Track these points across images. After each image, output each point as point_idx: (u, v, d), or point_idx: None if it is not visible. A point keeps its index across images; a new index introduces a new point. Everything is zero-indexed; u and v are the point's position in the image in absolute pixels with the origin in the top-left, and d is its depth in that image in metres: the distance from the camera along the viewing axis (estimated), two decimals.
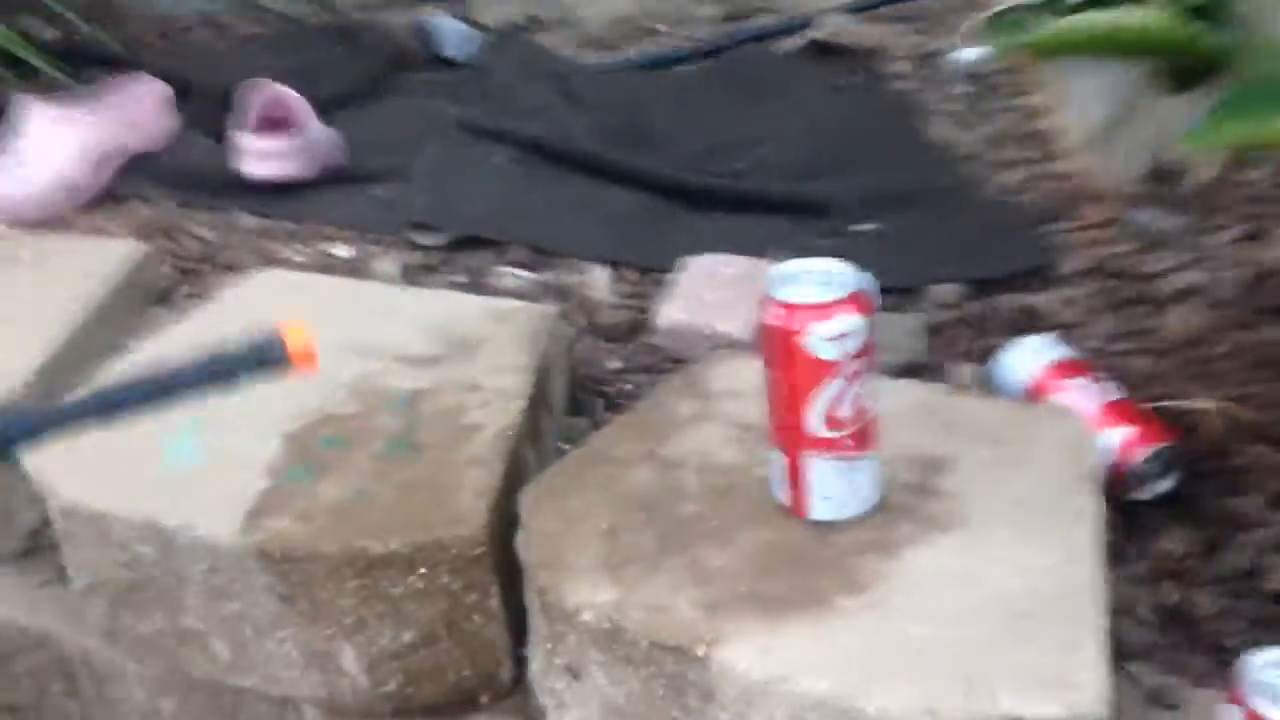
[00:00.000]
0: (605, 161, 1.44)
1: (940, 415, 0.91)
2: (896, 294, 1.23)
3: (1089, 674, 0.69)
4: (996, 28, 0.83)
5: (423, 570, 0.86)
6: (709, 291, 1.11)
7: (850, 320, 0.75)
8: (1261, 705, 0.64)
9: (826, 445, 0.78)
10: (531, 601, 0.83)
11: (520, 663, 0.90)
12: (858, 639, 0.73)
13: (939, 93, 1.71)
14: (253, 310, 1.12)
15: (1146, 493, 0.99)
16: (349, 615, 0.87)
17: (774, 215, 1.39)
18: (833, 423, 0.77)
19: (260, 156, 1.38)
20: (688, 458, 0.89)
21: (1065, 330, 1.18)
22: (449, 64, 1.89)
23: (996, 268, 1.26)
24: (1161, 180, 1.39)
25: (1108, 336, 1.17)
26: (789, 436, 0.79)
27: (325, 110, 1.56)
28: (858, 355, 0.76)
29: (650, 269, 1.26)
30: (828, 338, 0.75)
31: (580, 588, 0.79)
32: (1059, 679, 0.69)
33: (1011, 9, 0.85)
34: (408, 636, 0.88)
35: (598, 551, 0.81)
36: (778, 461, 0.81)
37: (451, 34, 1.92)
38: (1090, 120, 0.88)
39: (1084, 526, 0.79)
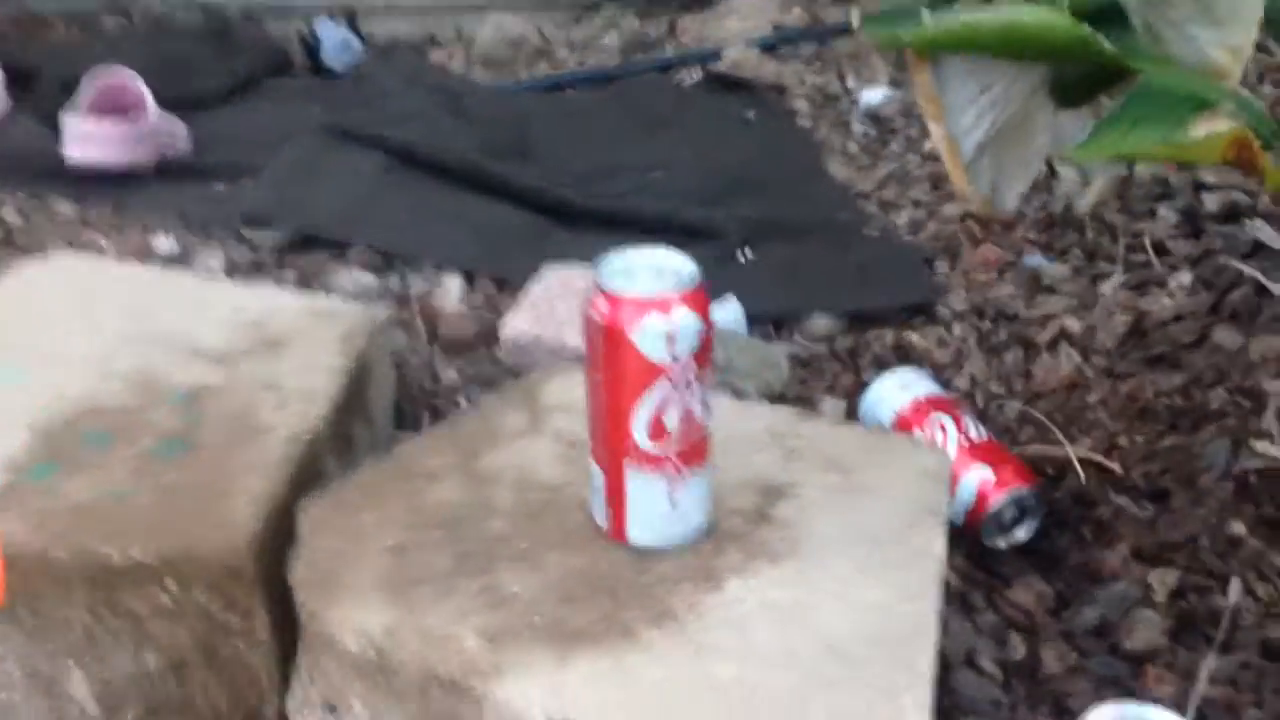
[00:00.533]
0: (480, 172, 1.34)
1: (788, 441, 0.80)
2: (769, 324, 1.15)
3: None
4: (878, 20, 0.74)
5: (171, 586, 0.72)
6: (562, 303, 1.00)
7: (684, 318, 0.64)
8: None
9: (650, 460, 0.66)
10: (301, 631, 0.69)
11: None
12: (657, 678, 0.61)
13: (838, 132, 1.65)
14: (30, 296, 0.99)
15: (1003, 540, 0.91)
16: (76, 632, 0.73)
17: (652, 237, 1.29)
18: (658, 434, 0.66)
19: (86, 140, 1.25)
20: (504, 473, 0.77)
21: (938, 369, 1.10)
22: (330, 74, 1.79)
23: (874, 302, 1.18)
24: (1043, 206, 1.35)
25: (981, 378, 1.10)
26: (610, 448, 0.67)
27: (185, 107, 1.44)
28: (690, 359, 0.65)
29: (508, 282, 1.16)
30: (658, 335, 0.64)
31: (348, 609, 0.66)
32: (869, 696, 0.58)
33: (898, 5, 0.76)
34: (151, 661, 0.74)
35: (379, 571, 0.69)
36: (598, 478, 0.69)
37: (334, 44, 1.82)
38: (973, 134, 0.80)
39: (924, 565, 0.69)
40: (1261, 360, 1.08)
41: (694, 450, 0.68)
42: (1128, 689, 0.80)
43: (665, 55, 1.80)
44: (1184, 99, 0.72)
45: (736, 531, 0.71)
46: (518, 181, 1.33)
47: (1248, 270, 1.22)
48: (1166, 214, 1.36)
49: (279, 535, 0.74)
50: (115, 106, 1.29)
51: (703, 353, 0.65)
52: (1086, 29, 0.70)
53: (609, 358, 0.65)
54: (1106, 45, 0.70)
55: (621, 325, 0.63)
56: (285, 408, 0.84)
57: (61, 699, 0.75)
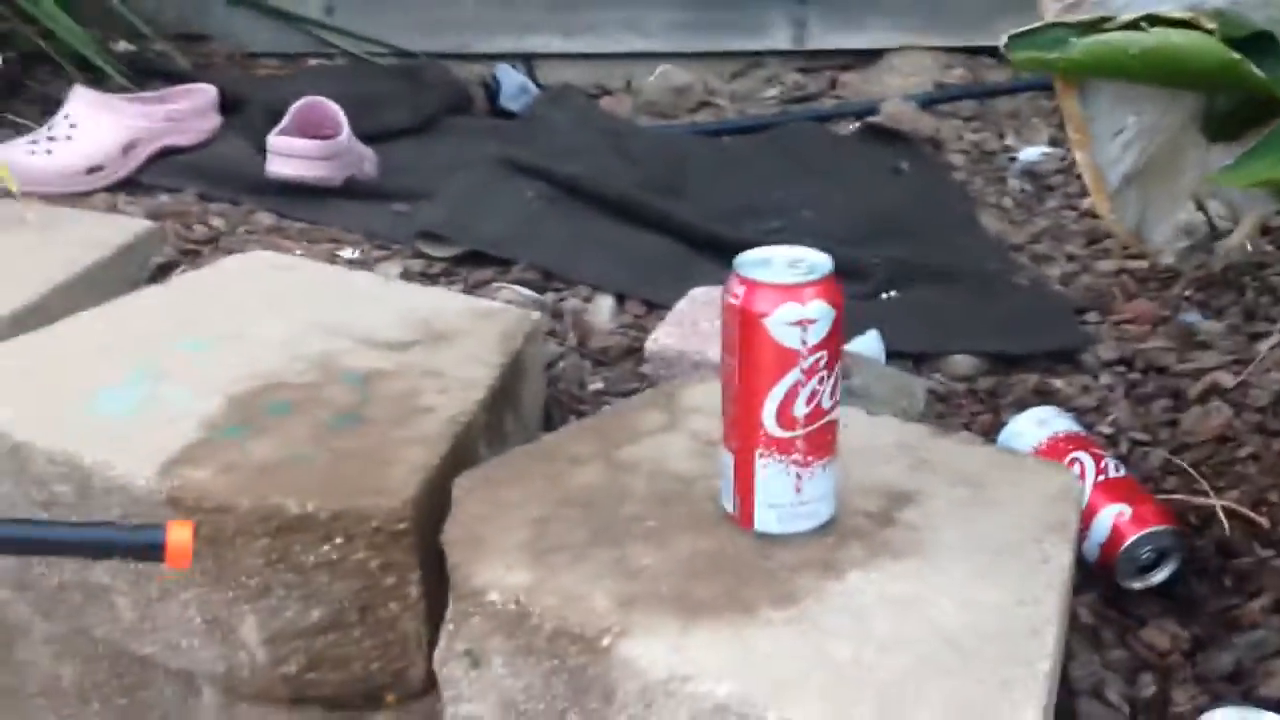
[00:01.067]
0: (638, 204, 1.41)
1: (917, 453, 0.83)
2: (909, 360, 1.18)
3: (1018, 711, 0.60)
4: (1024, 40, 0.78)
5: (339, 540, 0.79)
6: (705, 320, 1.05)
7: (817, 306, 0.69)
8: None
9: (778, 446, 0.71)
10: (450, 586, 0.75)
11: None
12: (774, 649, 0.64)
13: (993, 187, 1.66)
14: (231, 285, 1.10)
15: (1139, 580, 0.90)
16: (254, 579, 0.80)
17: None
18: (787, 420, 0.70)
19: (287, 156, 1.37)
20: (641, 463, 0.82)
21: (1081, 414, 1.10)
22: (507, 115, 1.90)
23: (1018, 346, 1.19)
24: (1201, 265, 1.33)
25: (1125, 425, 1.10)
26: (739, 433, 0.72)
27: (375, 138, 1.57)
28: (821, 347, 0.69)
29: (656, 306, 1.22)
30: (791, 322, 0.68)
31: (493, 567, 0.72)
32: (985, 713, 0.60)
33: (1051, 25, 0.79)
34: (316, 614, 0.81)
35: (522, 537, 0.75)
36: (727, 464, 0.74)
37: (513, 88, 1.93)
38: (1120, 165, 0.82)
39: (1046, 573, 0.70)
40: None
41: (821, 441, 0.71)
42: None
43: (822, 107, 1.85)
44: None
45: (860, 529, 0.74)
46: (672, 215, 1.40)
47: None
48: None
49: (435, 504, 0.81)
50: (314, 130, 1.42)
51: (833, 344, 0.69)
52: (1237, 55, 0.72)
53: (743, 343, 0.70)
54: (1257, 72, 0.72)
55: (757, 311, 0.68)
56: (446, 393, 0.92)
57: (234, 646, 0.83)
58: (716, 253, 1.36)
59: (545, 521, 0.76)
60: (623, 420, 0.89)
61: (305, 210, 1.39)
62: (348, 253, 1.29)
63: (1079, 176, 1.76)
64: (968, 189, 1.64)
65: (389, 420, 0.88)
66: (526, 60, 2.01)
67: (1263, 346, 1.20)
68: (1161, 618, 0.90)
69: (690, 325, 1.05)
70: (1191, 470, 1.03)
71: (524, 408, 1.01)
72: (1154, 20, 0.76)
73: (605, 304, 1.20)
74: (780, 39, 2.04)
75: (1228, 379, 1.15)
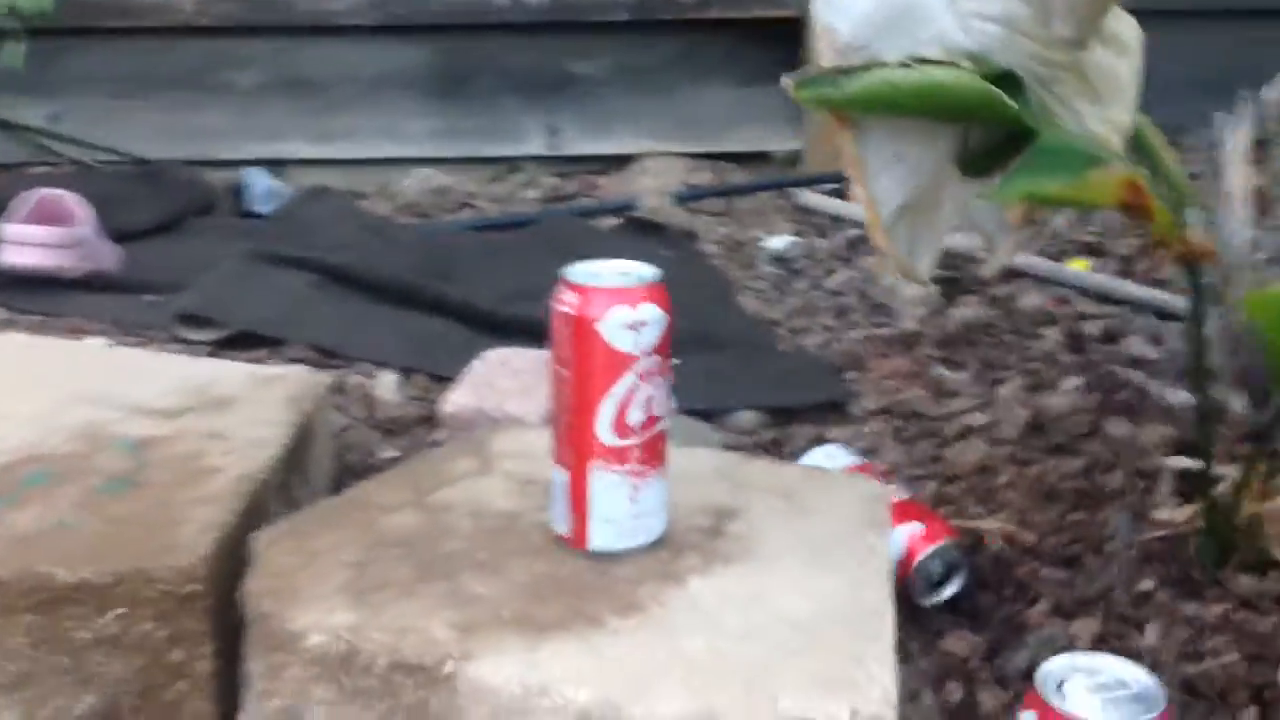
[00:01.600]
0: (412, 287, 1.39)
1: (734, 476, 0.83)
2: (698, 417, 1.20)
3: (875, 678, 0.60)
4: (807, 83, 0.83)
5: (119, 610, 0.70)
6: (502, 379, 1.03)
7: (649, 309, 0.69)
8: (1052, 698, 0.61)
9: (614, 455, 0.69)
10: (251, 640, 0.68)
11: None
12: (627, 652, 0.62)
13: (747, 273, 1.75)
14: None
15: (932, 596, 0.94)
16: (14, 665, 0.70)
17: None
18: (622, 428, 0.69)
19: (23, 244, 1.26)
20: (459, 505, 0.78)
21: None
22: (257, 217, 1.83)
23: (795, 399, 1.25)
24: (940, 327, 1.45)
25: (899, 464, 1.16)
26: (573, 446, 0.70)
27: (117, 239, 1.47)
28: (654, 351, 0.69)
29: (443, 377, 1.18)
30: (626, 325, 0.68)
31: (311, 611, 0.65)
32: (844, 682, 0.59)
33: (829, 71, 0.84)
34: (88, 702, 0.71)
35: (340, 581, 0.69)
36: (560, 481, 0.71)
37: (262, 191, 1.87)
38: (891, 201, 0.88)
39: (874, 561, 0.72)
40: (1152, 446, 1.16)
41: (655, 450, 0.70)
42: None
43: (584, 204, 1.90)
44: (1079, 154, 0.81)
45: (692, 542, 0.73)
46: (448, 296, 1.38)
47: (1132, 375, 1.33)
48: (1053, 334, 1.48)
49: (229, 566, 0.74)
50: (52, 221, 1.31)
51: (664, 350, 0.69)
52: (995, 90, 0.79)
53: (577, 351, 0.68)
54: (1010, 103, 0.79)
55: (589, 316, 0.67)
56: (233, 454, 0.84)
57: None
58: (495, 332, 1.35)
59: (363, 565, 0.70)
60: (432, 467, 0.84)
61: (43, 303, 1.27)
62: (94, 343, 1.18)
63: (822, 262, 1.90)
64: (726, 275, 1.71)
65: (170, 482, 0.80)
66: (276, 166, 1.96)
67: (1003, 390, 1.30)
68: (956, 629, 0.93)
69: (486, 384, 1.03)
70: (959, 498, 1.09)
71: (314, 474, 0.95)
72: (920, 61, 0.83)
73: (389, 379, 1.16)
74: (535, 145, 2.08)
75: (979, 418, 1.24)
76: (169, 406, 0.91)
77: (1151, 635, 0.92)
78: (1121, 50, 0.89)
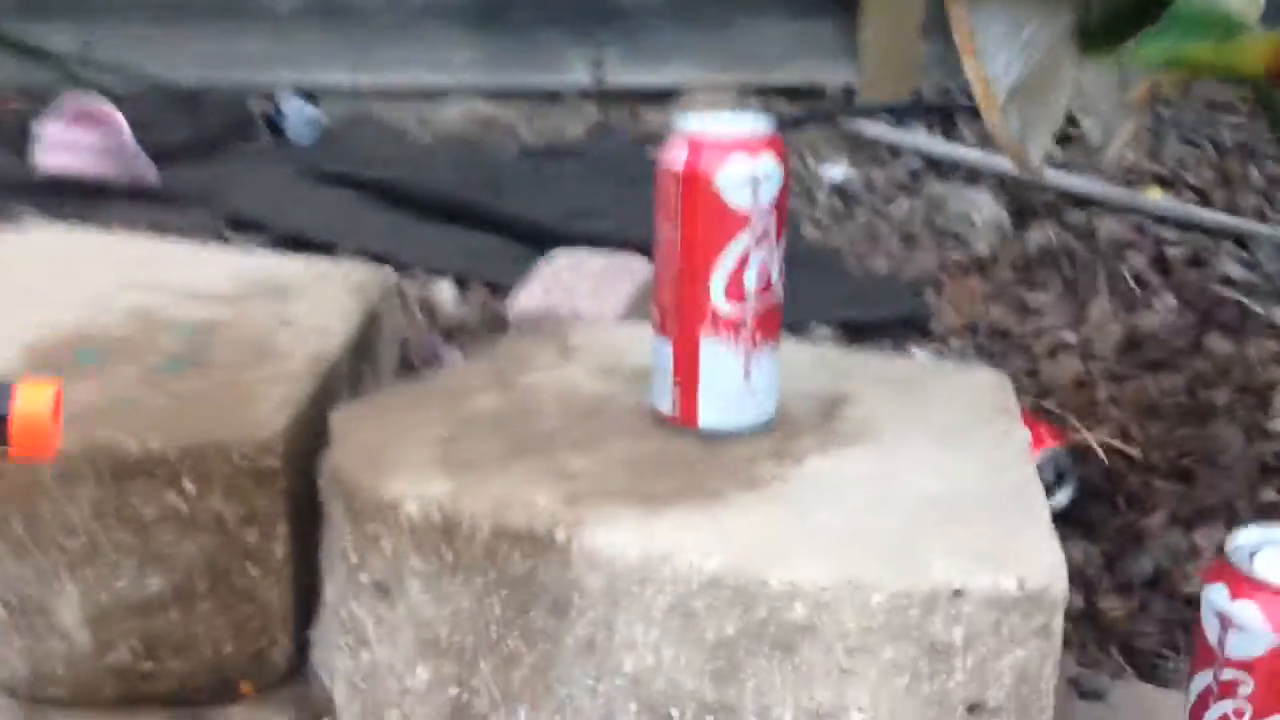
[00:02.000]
0: (462, 202, 1.33)
1: (837, 367, 0.77)
2: None
3: (1039, 549, 0.54)
4: None
5: (189, 485, 0.65)
6: (573, 280, 0.97)
7: (769, 162, 0.62)
8: (1246, 568, 0.55)
9: (727, 325, 0.63)
10: (339, 514, 0.62)
11: (303, 650, 0.69)
12: (756, 523, 0.57)
13: (805, 203, 1.68)
14: (18, 254, 0.93)
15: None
16: (77, 540, 0.64)
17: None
18: (736, 294, 0.63)
19: (61, 147, 1.21)
20: (545, 387, 0.72)
21: None
22: (297, 147, 1.77)
23: (874, 314, 1.20)
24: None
25: None
26: (683, 314, 0.63)
27: (154, 158, 1.41)
28: (772, 209, 0.63)
29: (503, 286, 1.13)
30: (742, 179, 0.61)
31: (404, 480, 0.60)
32: (1004, 553, 0.54)
33: None
34: (155, 584, 0.66)
35: (431, 454, 0.63)
36: (664, 353, 0.65)
37: (300, 118, 1.81)
38: (1006, 79, 0.81)
39: (1010, 444, 0.66)
40: (1258, 361, 1.10)
41: (770, 321, 0.64)
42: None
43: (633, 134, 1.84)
44: (1220, 20, 0.75)
45: (805, 425, 0.67)
46: (501, 210, 1.32)
47: (1228, 294, 1.26)
48: (1136, 258, 1.42)
49: (305, 445, 0.68)
50: (88, 125, 1.26)
51: (782, 208, 0.63)
52: None
53: (687, 208, 0.62)
54: None
55: (704, 170, 0.61)
56: (301, 338, 0.78)
57: (45, 633, 0.66)
58: (551, 247, 1.29)
59: (453, 440, 0.65)
60: (513, 354, 0.79)
61: (78, 209, 1.21)
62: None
63: (881, 191, 1.84)
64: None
65: (237, 364, 0.75)
66: (312, 95, 1.90)
67: (1093, 308, 1.24)
68: (1070, 538, 0.88)
69: (557, 284, 0.97)
70: (1059, 411, 1.03)
71: (381, 368, 0.89)
72: None
73: (446, 287, 1.10)
74: (579, 76, 2.01)
75: (1070, 336, 1.18)
76: (226, 293, 0.85)
77: None
78: None
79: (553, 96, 2.03)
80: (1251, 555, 0.55)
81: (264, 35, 2.00)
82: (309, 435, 0.69)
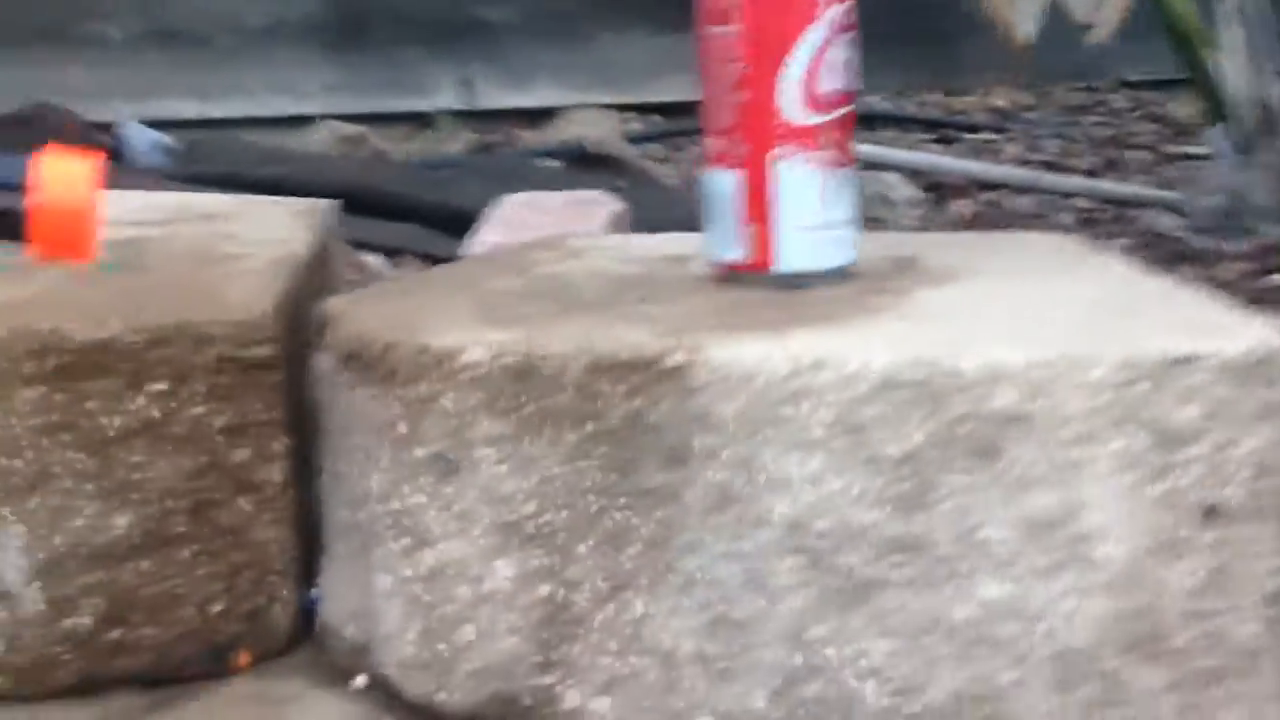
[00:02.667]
0: (368, 192, 1.20)
1: (894, 242, 0.69)
2: None
3: (1253, 324, 0.47)
4: None
5: (160, 384, 0.51)
6: (535, 217, 0.87)
7: None
8: None
9: (803, 138, 0.54)
10: (368, 382, 0.49)
11: (308, 614, 0.55)
12: (911, 328, 0.47)
13: None
14: None
15: None
16: (18, 460, 0.49)
17: None
18: (814, 100, 0.54)
19: None
20: (570, 272, 0.61)
21: None
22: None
23: None
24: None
25: None
26: (750, 129, 0.54)
27: None
28: None
29: (436, 256, 1.01)
30: None
31: (457, 332, 0.48)
32: (1215, 328, 0.46)
33: None
34: (121, 522, 0.51)
35: (473, 316, 0.52)
36: (726, 188, 0.56)
37: (143, 143, 1.65)
38: None
39: (1123, 269, 0.59)
40: (1237, 277, 1.08)
41: (847, 135, 0.55)
42: None
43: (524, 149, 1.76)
44: None
45: (888, 273, 0.58)
46: (413, 197, 1.21)
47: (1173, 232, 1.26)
48: (1062, 220, 1.42)
49: (293, 341, 0.56)
50: None
51: None
52: None
53: None
54: None
55: None
56: (257, 246, 0.65)
57: None
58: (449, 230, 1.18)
59: (492, 308, 0.53)
60: (515, 255, 0.68)
61: None
62: None
63: None
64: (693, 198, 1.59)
65: (185, 268, 0.61)
66: (155, 128, 1.74)
67: None
68: None
69: (517, 222, 0.87)
70: None
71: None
72: None
73: (376, 260, 0.98)
74: (447, 98, 1.92)
75: None
76: (146, 219, 0.72)
77: None
78: None
79: (422, 119, 1.94)
80: None
81: (97, 64, 1.83)
82: (295, 332, 0.57)
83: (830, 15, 0.54)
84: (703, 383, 0.44)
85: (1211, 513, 0.43)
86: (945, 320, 0.48)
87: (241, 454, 0.53)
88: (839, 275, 0.57)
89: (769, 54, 0.54)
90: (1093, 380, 0.42)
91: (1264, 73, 1.08)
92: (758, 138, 0.54)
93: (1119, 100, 2.09)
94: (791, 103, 0.54)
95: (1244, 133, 1.08)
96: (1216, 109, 1.07)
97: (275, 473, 0.54)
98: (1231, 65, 1.11)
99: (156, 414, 0.51)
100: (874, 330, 0.47)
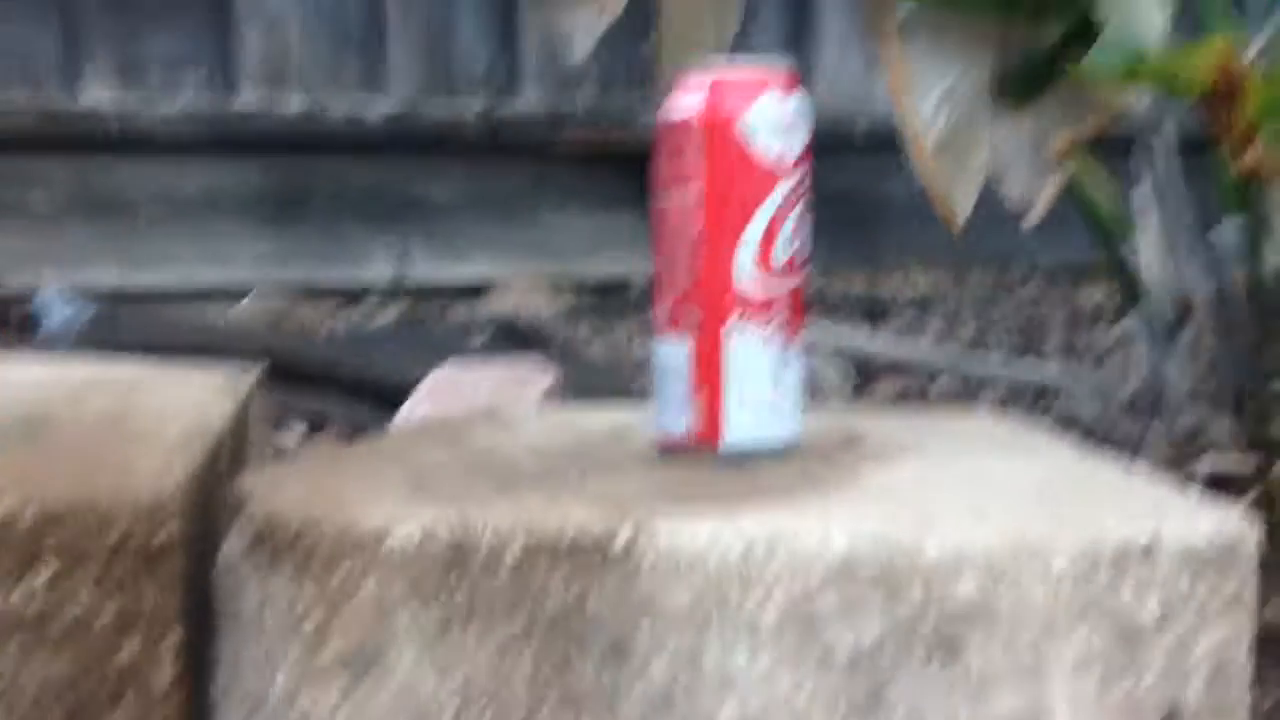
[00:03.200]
0: (290, 361, 1.17)
1: (835, 419, 0.67)
2: None
3: (1209, 511, 0.45)
4: None
5: (47, 570, 0.46)
6: (469, 389, 0.84)
7: (798, 103, 0.53)
8: None
9: (756, 310, 0.52)
10: (278, 566, 0.45)
11: None
12: (866, 508, 0.45)
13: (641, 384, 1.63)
14: None
15: None
16: None
17: None
18: (768, 269, 0.52)
19: None
20: (505, 444, 0.58)
21: None
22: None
23: None
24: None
25: None
26: (703, 297, 0.53)
27: None
28: (803, 161, 0.53)
29: (360, 428, 0.97)
30: (773, 123, 0.52)
31: (384, 510, 0.44)
32: (1173, 514, 0.44)
33: None
34: None
35: (403, 493, 0.48)
36: (676, 358, 0.54)
37: (62, 313, 1.60)
38: (934, 130, 0.79)
39: (1071, 450, 0.57)
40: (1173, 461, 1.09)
41: (800, 306, 0.54)
42: None
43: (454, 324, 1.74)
44: (1142, 49, 0.76)
45: (832, 447, 0.56)
46: (338, 367, 1.17)
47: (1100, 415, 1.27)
48: (985, 400, 1.42)
49: (199, 524, 0.51)
50: None
51: (809, 158, 0.53)
52: None
53: (711, 163, 0.52)
54: None
55: (727, 114, 0.51)
56: (172, 417, 0.61)
57: None
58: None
59: (424, 484, 0.50)
60: (446, 427, 0.64)
61: None
62: None
63: None
64: (623, 376, 1.58)
65: (95, 437, 0.57)
66: (80, 296, 1.70)
67: None
68: None
69: (450, 394, 0.83)
70: None
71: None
72: None
73: (297, 430, 0.94)
74: (382, 271, 1.91)
75: None
76: (55, 388, 0.67)
77: None
78: None
79: (355, 293, 1.92)
80: None
81: (24, 232, 1.79)
82: (206, 511, 0.52)
83: (786, 187, 0.53)
84: (649, 565, 0.41)
85: (1171, 717, 0.40)
86: (899, 499, 0.46)
87: (129, 650, 0.48)
88: (787, 450, 0.55)
89: (726, 223, 0.52)
90: (1055, 570, 0.39)
91: (1180, 259, 1.11)
92: (711, 307, 0.53)
93: (1037, 285, 2.16)
94: (746, 273, 0.53)
95: (1161, 318, 1.10)
96: (1134, 294, 1.09)
97: (165, 672, 0.48)
98: (1148, 251, 1.14)
99: (40, 604, 0.46)
100: (827, 509, 0.44)
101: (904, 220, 1.91)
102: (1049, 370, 1.58)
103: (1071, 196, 1.01)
